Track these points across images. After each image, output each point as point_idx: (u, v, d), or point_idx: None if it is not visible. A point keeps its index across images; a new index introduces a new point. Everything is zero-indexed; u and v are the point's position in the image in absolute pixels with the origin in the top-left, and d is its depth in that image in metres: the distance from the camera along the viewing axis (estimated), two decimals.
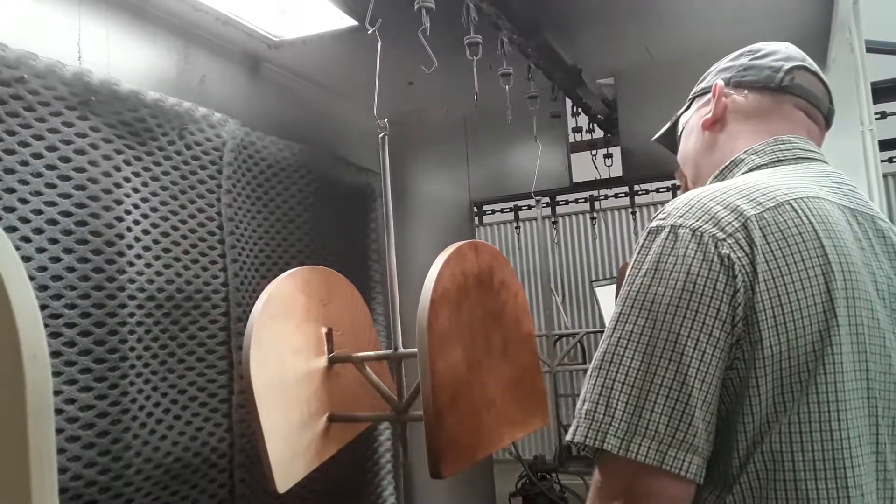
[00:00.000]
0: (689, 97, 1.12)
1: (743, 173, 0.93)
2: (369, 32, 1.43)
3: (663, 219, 0.83)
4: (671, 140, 1.19)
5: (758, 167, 0.93)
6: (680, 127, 1.14)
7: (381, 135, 1.61)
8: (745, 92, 1.01)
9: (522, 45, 2.03)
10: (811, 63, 1.03)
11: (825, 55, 2.39)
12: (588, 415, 0.77)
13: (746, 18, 2.23)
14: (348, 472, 2.29)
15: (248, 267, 1.96)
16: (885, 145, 3.40)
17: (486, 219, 4.54)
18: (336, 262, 2.41)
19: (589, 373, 0.80)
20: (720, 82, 1.03)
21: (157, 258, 1.67)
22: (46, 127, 1.44)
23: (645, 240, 0.83)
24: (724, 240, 0.78)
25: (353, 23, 1.94)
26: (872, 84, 2.34)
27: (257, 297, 1.64)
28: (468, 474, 3.01)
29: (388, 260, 1.67)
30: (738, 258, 0.77)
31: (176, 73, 1.92)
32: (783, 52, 1.02)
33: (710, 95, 1.04)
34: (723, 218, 0.79)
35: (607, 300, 4.59)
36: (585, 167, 3.29)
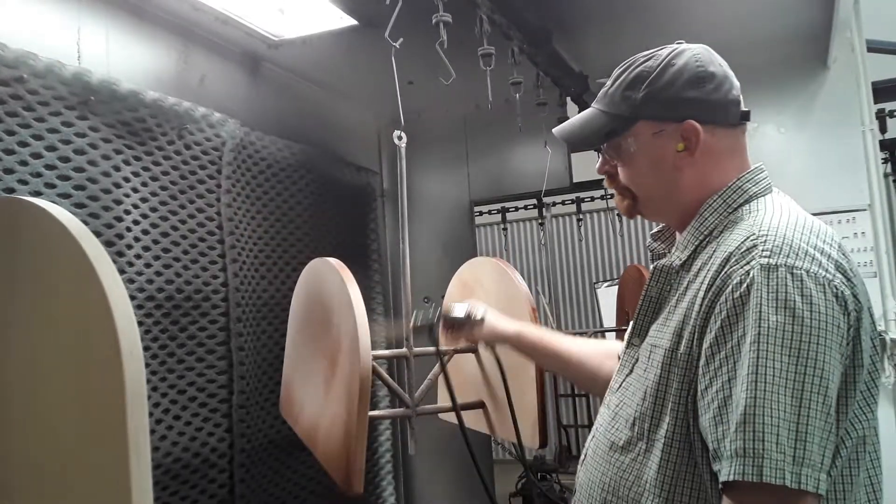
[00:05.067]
0: (629, 110, 1.07)
1: (744, 200, 1.01)
2: (396, 45, 1.44)
3: (768, 256, 0.88)
4: (583, 142, 1.17)
5: (756, 195, 1.01)
6: (628, 146, 1.08)
7: (399, 145, 1.62)
8: (714, 129, 1.03)
9: (532, 54, 2.05)
10: (731, 74, 1.06)
11: (825, 55, 2.38)
12: (761, 454, 0.82)
13: (747, 19, 2.23)
14: None
15: (247, 267, 1.96)
16: (885, 145, 3.39)
17: (476, 220, 4.56)
18: None
19: (743, 412, 0.84)
20: (697, 125, 1.02)
21: (157, 258, 1.67)
22: (46, 127, 1.44)
23: (759, 276, 0.87)
24: (832, 280, 0.87)
25: (353, 22, 1.94)
26: (872, 84, 2.33)
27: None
28: (468, 474, 3.01)
29: (402, 264, 1.68)
30: (847, 296, 0.87)
31: (176, 73, 1.91)
32: (726, 75, 1.04)
33: (672, 127, 1.03)
34: (821, 260, 0.89)
35: (608, 301, 4.58)
36: (586, 167, 3.29)
